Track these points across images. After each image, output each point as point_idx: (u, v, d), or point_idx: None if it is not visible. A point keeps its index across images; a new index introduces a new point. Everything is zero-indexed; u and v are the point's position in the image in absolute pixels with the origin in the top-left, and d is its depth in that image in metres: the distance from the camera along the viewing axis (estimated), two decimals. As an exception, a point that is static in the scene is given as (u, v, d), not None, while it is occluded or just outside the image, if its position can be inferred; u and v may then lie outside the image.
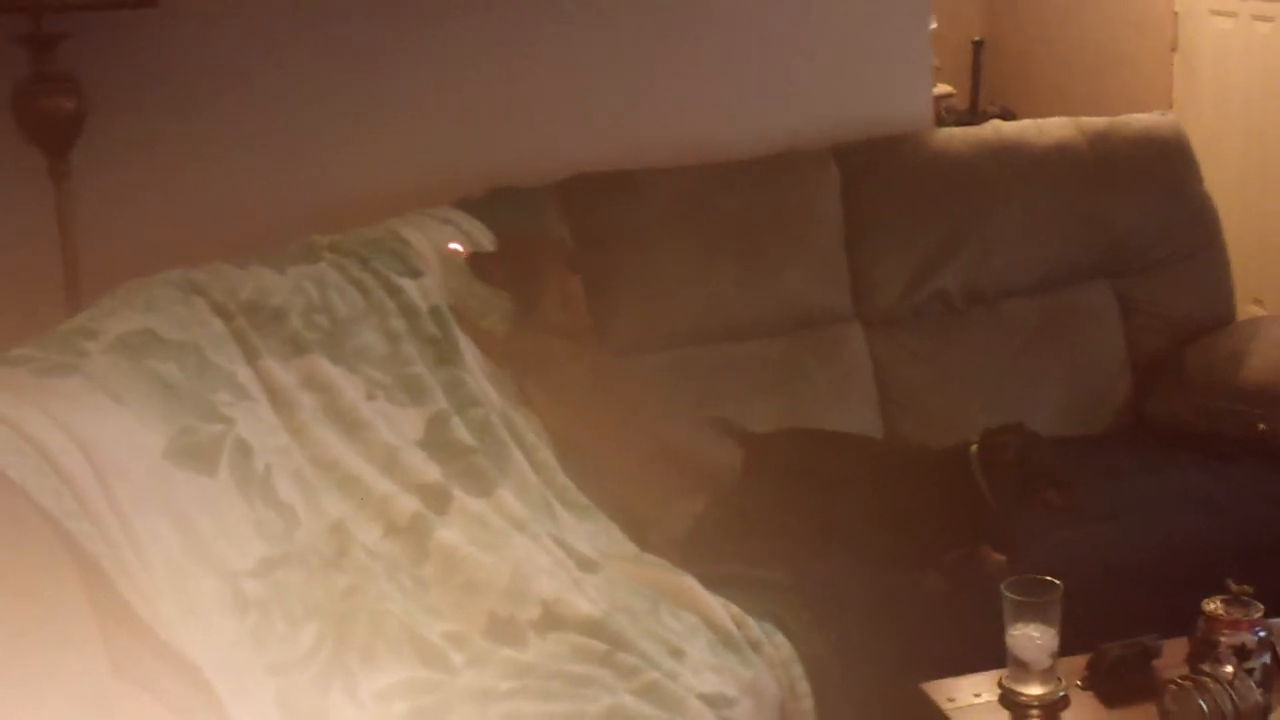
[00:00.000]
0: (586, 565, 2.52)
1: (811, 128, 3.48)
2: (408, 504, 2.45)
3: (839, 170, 3.34)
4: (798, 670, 2.42)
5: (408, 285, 2.77)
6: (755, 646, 2.42)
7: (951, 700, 2.22)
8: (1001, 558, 2.62)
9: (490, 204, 3.07)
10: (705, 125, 3.43)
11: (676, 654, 2.33)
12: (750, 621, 2.46)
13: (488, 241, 2.97)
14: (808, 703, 2.41)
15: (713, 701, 2.25)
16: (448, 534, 2.43)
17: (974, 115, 5.42)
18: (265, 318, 2.53)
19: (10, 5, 2.73)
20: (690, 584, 2.53)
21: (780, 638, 2.46)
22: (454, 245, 2.89)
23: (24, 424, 1.96)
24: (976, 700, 2.22)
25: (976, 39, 5.84)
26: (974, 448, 2.71)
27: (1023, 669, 2.20)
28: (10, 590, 1.67)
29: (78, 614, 1.75)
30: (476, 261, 2.89)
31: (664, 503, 2.80)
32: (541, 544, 2.49)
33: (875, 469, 2.85)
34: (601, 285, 3.06)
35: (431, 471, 2.52)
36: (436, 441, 2.59)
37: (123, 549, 1.95)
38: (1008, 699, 2.21)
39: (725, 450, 2.96)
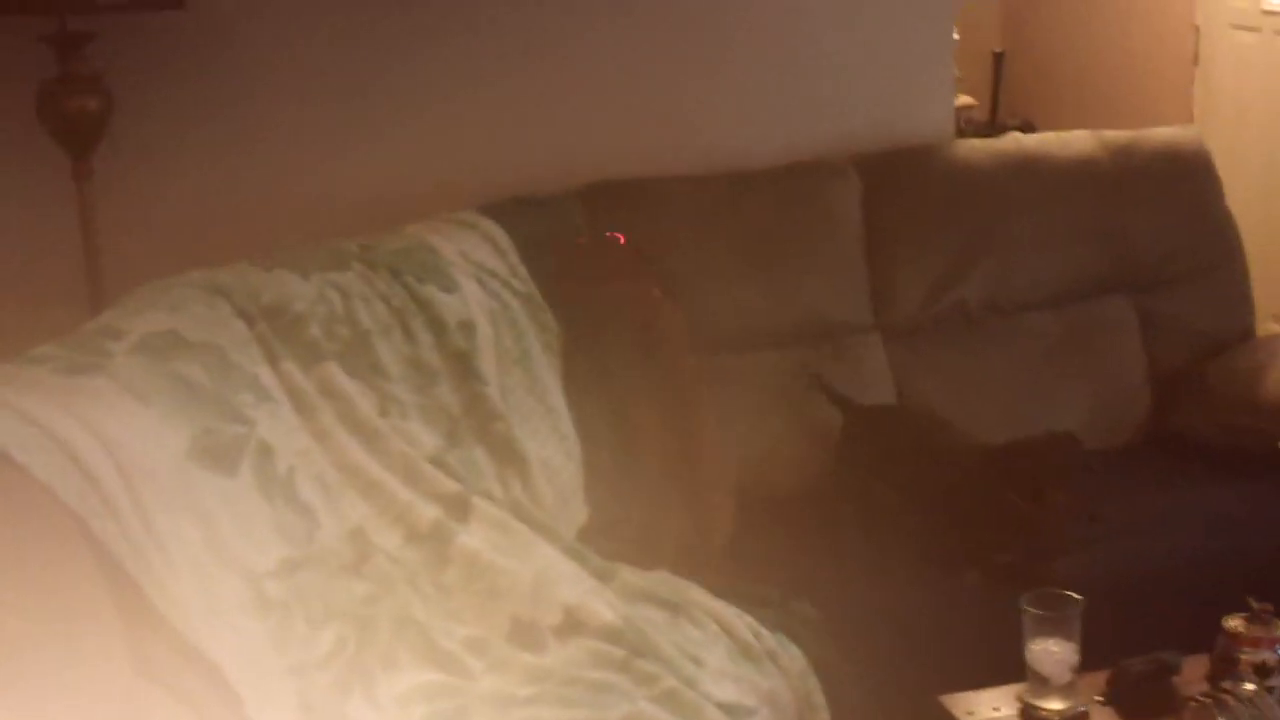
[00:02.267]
0: (604, 574, 2.52)
1: (833, 138, 3.48)
2: (428, 511, 2.45)
3: (860, 180, 3.34)
4: (813, 682, 2.42)
5: (438, 299, 2.76)
6: (772, 657, 2.42)
7: (970, 714, 2.22)
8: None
9: (513, 210, 3.07)
10: (727, 134, 3.43)
11: (696, 662, 2.32)
12: (765, 632, 2.46)
13: (508, 244, 2.96)
14: (824, 715, 2.41)
15: (731, 710, 2.25)
16: (469, 540, 2.43)
17: (993, 127, 5.42)
18: (285, 323, 2.53)
19: (36, 6, 2.73)
20: (701, 595, 2.53)
21: (795, 649, 2.45)
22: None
23: (50, 423, 1.96)
24: (995, 715, 2.21)
25: (997, 50, 5.84)
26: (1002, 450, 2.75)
27: (1042, 684, 2.20)
28: (35, 589, 1.67)
29: (101, 613, 1.76)
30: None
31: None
32: (562, 551, 2.49)
33: (945, 463, 2.86)
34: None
35: (450, 483, 2.52)
36: (451, 458, 2.59)
37: (146, 548, 1.95)
38: (1027, 714, 2.20)
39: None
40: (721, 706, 2.24)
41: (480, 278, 2.85)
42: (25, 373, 2.12)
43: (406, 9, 3.19)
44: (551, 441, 2.78)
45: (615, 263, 3.02)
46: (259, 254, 2.68)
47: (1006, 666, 2.25)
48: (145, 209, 3.09)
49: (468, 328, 2.74)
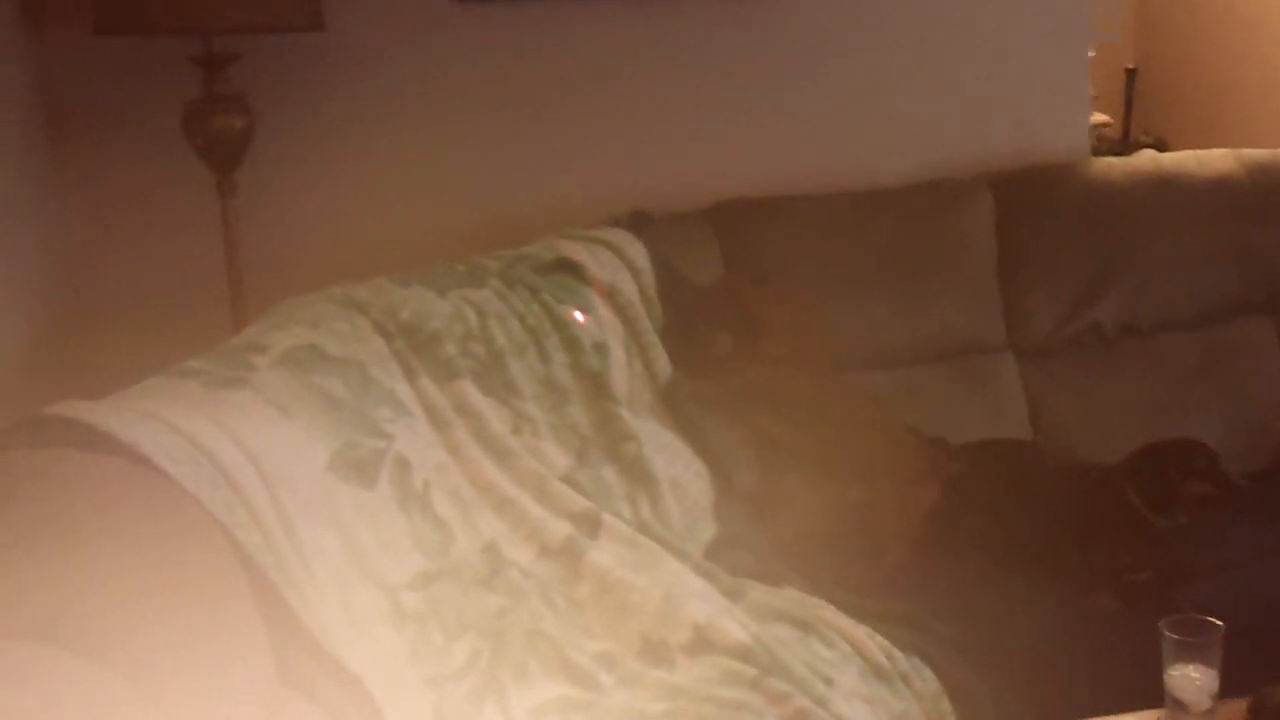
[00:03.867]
0: (733, 592, 2.52)
1: (965, 155, 3.46)
2: (559, 528, 2.47)
3: (994, 199, 3.31)
4: (946, 705, 2.39)
5: (574, 320, 2.79)
6: (904, 679, 2.40)
7: (1107, 740, 2.19)
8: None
9: (641, 226, 3.08)
10: (858, 152, 3.42)
11: (827, 682, 2.31)
12: (898, 654, 2.45)
13: (645, 264, 2.98)
14: (958, 737, 2.39)
15: None
16: (599, 556, 2.44)
17: (1125, 145, 5.34)
18: (422, 340, 2.57)
19: (184, 27, 2.80)
20: (831, 614, 2.52)
21: (928, 672, 2.43)
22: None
23: (198, 435, 2.01)
24: (1132, 740, 2.18)
25: (1129, 67, 5.75)
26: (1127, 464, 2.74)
27: (1181, 710, 2.15)
28: (187, 596, 1.71)
29: (250, 623, 1.79)
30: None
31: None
32: (691, 568, 2.50)
33: (1068, 483, 2.83)
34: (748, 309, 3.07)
35: (580, 501, 2.54)
36: (582, 477, 2.61)
37: (289, 558, 2.00)
38: (1165, 740, 2.17)
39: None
40: (852, 726, 2.23)
41: (615, 300, 2.87)
42: (175, 386, 2.17)
43: (538, 30, 3.22)
44: (680, 460, 2.79)
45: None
46: (396, 270, 2.72)
47: (1143, 692, 2.21)
48: (286, 225, 3.16)
49: (601, 349, 2.77)
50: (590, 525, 2.49)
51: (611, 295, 2.87)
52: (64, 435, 1.94)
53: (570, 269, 2.86)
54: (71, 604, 1.58)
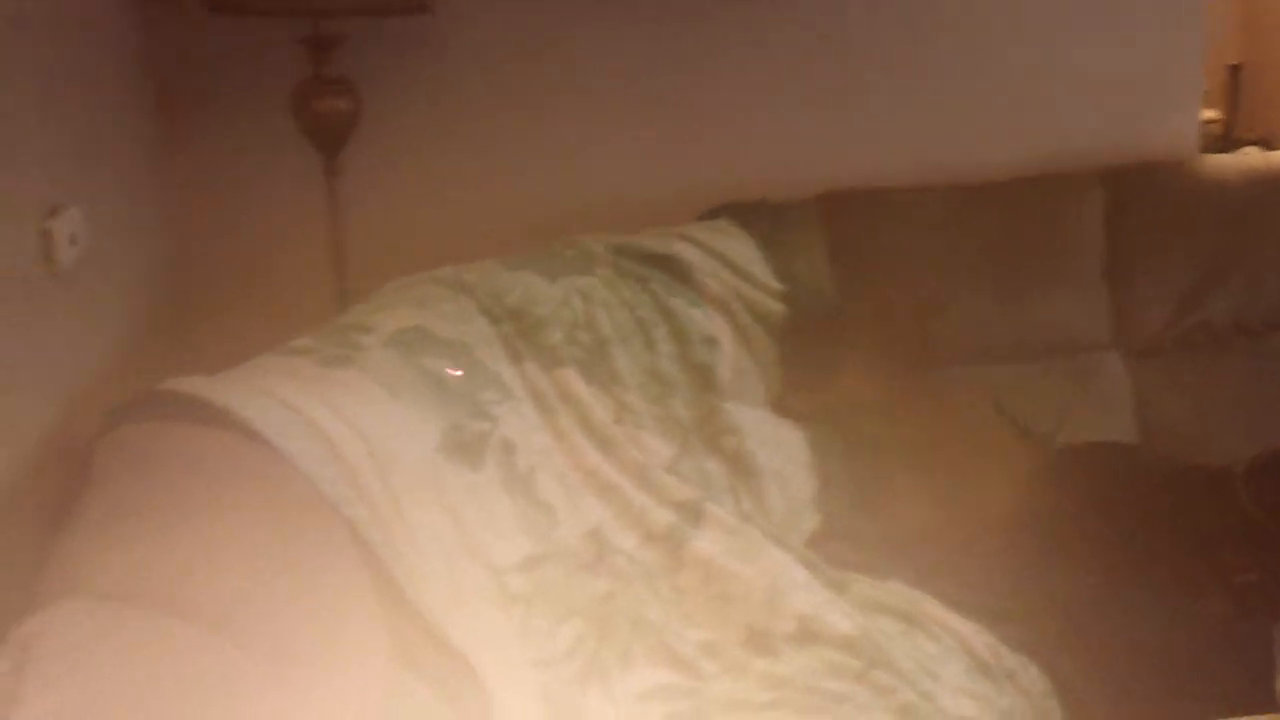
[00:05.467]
0: (838, 584, 2.50)
1: (1072, 150, 3.41)
2: (663, 516, 2.46)
3: (1104, 194, 3.26)
4: (1053, 704, 2.36)
5: (684, 311, 2.78)
6: (1010, 677, 2.37)
7: (1221, 745, 2.15)
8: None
9: (750, 214, 3.07)
10: (965, 144, 3.38)
11: (932, 676, 2.29)
12: (1004, 651, 2.41)
13: (755, 259, 2.96)
14: (1064, 738, 2.36)
15: None
16: (702, 544, 2.43)
17: (1229, 142, 5.25)
18: (528, 325, 2.57)
19: (293, 8, 2.82)
20: (935, 609, 2.49)
21: (1035, 670, 2.39)
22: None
23: (310, 412, 2.02)
24: (1245, 745, 2.14)
25: (1233, 63, 5.65)
26: (1241, 465, 2.69)
27: (1298, 717, 2.12)
28: (304, 574, 1.72)
29: (364, 600, 1.80)
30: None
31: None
32: (795, 559, 2.48)
33: (1174, 484, 2.79)
34: (855, 302, 3.06)
35: (684, 489, 2.53)
36: (684, 468, 2.60)
37: (398, 537, 2.00)
38: (1281, 747, 2.12)
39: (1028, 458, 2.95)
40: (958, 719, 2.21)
41: (724, 295, 2.86)
42: (286, 363, 2.19)
43: (642, 15, 3.20)
44: (783, 451, 2.78)
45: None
46: (499, 253, 2.73)
47: (1259, 697, 2.17)
48: (390, 206, 3.16)
49: (711, 342, 2.76)
50: (693, 514, 2.48)
51: (722, 290, 2.86)
52: (179, 410, 1.96)
53: (681, 263, 2.85)
54: (191, 576, 1.60)
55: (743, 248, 2.96)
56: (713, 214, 3.09)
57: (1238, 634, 2.47)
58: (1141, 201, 3.27)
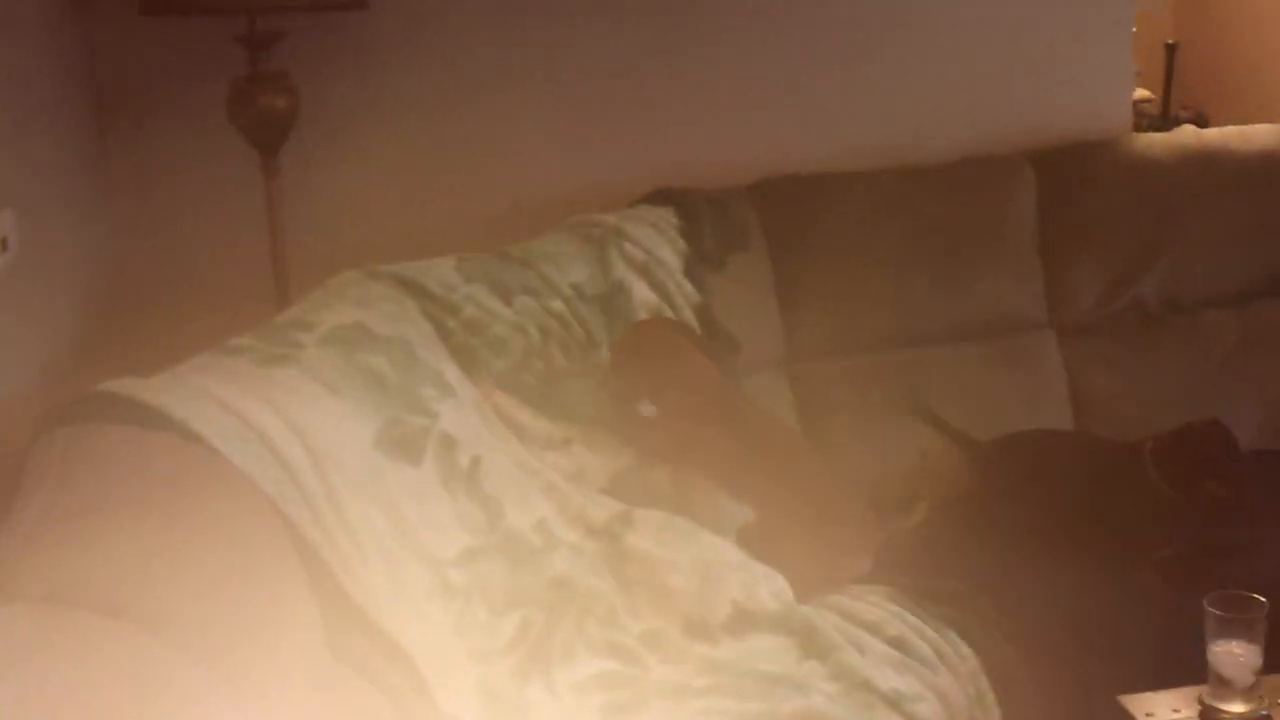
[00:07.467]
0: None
1: (1006, 132, 3.44)
2: (599, 513, 2.50)
3: (1036, 175, 3.30)
4: (984, 682, 2.40)
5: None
6: (940, 655, 2.41)
7: (1150, 716, 2.17)
8: None
9: (683, 201, 3.09)
10: (899, 129, 3.41)
11: (863, 653, 2.33)
12: (931, 633, 2.45)
13: (680, 248, 3.00)
14: (995, 714, 2.39)
15: (898, 697, 2.25)
16: (637, 540, 2.46)
17: (1166, 120, 5.31)
18: (485, 340, 2.61)
19: (229, 6, 2.82)
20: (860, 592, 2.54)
21: (966, 649, 2.43)
22: None
23: (247, 412, 2.04)
24: (1175, 716, 2.17)
25: (1170, 42, 5.71)
26: (1149, 442, 2.71)
27: (1225, 686, 2.15)
28: (240, 573, 1.73)
29: (301, 597, 1.82)
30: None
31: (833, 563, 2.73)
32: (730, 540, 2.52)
33: (1093, 465, 2.83)
34: (792, 288, 3.09)
35: (613, 504, 2.55)
36: (621, 491, 2.63)
37: (337, 534, 2.02)
38: (1208, 716, 2.15)
39: (947, 456, 2.97)
40: (890, 693, 2.25)
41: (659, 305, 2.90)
42: (223, 363, 2.20)
43: (575, 9, 3.22)
44: None
45: None
46: (445, 250, 2.75)
47: (1185, 668, 2.21)
48: (329, 203, 3.17)
49: None
50: (624, 517, 2.51)
51: (657, 301, 2.90)
52: (116, 412, 1.97)
53: (621, 293, 2.87)
54: (129, 577, 1.61)
55: (668, 238, 3.00)
56: (648, 199, 3.10)
57: (1165, 607, 2.52)
58: (1073, 182, 3.31)
